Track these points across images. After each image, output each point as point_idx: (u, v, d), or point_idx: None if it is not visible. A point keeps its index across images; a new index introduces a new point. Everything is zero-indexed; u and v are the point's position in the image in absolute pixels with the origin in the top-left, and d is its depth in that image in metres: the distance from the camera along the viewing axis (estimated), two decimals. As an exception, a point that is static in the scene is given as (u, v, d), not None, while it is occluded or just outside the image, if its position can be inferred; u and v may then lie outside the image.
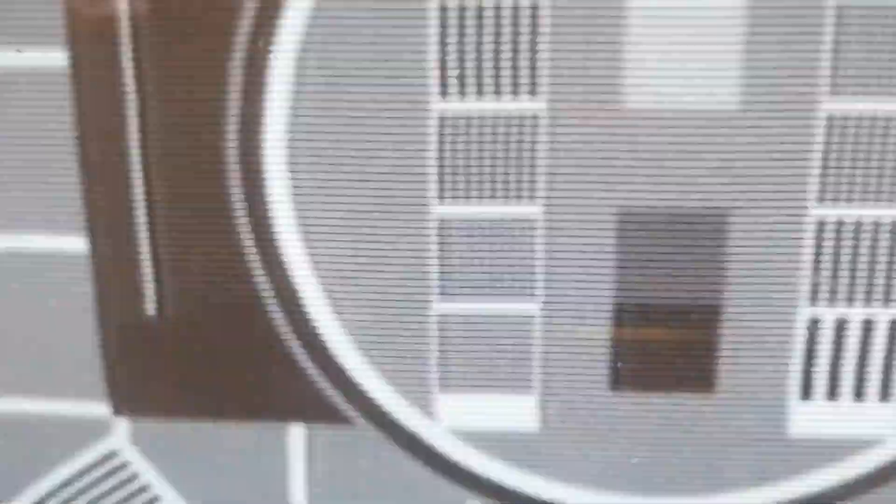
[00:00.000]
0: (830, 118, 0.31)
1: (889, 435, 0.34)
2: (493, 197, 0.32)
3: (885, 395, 0.34)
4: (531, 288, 0.33)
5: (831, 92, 0.31)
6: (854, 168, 0.31)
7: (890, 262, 0.32)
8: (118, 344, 0.35)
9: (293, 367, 0.35)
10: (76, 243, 0.34)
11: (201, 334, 0.35)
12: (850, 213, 0.32)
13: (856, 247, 0.32)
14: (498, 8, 0.30)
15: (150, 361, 0.35)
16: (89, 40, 0.32)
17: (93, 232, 0.34)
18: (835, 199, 0.32)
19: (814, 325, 0.33)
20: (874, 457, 0.35)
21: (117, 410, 0.36)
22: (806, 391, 0.34)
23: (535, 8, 0.30)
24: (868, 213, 0.32)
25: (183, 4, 0.31)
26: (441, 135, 0.32)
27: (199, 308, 0.34)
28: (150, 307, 0.35)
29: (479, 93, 0.31)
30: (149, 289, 0.34)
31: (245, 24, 0.31)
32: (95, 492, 0.37)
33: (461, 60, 0.31)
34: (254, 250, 0.33)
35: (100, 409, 0.36)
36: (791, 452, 0.35)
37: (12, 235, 0.34)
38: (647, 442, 0.35)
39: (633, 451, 0.35)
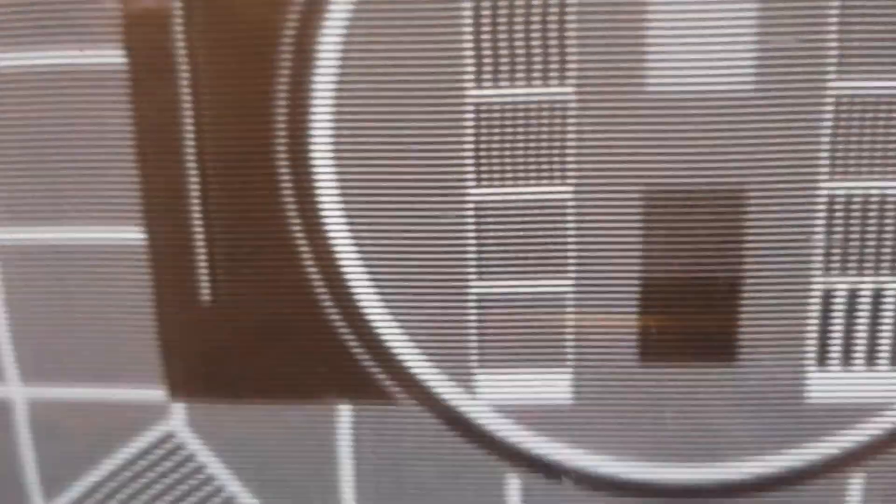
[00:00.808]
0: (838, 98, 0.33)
1: (901, 399, 0.36)
2: (526, 179, 0.35)
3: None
4: (564, 266, 0.35)
5: (839, 73, 0.33)
6: (861, 145, 0.34)
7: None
8: (174, 330, 0.37)
9: (341, 349, 0.37)
10: (133, 233, 0.36)
11: (253, 319, 0.37)
12: (860, 186, 0.34)
13: (864, 220, 0.34)
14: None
15: (205, 346, 0.37)
16: (144, 39, 0.34)
17: (149, 223, 0.36)
18: (844, 174, 0.34)
19: (828, 295, 0.35)
20: (887, 420, 0.37)
21: (174, 394, 0.38)
22: (822, 359, 0.36)
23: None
24: (876, 186, 0.34)
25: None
26: (477, 120, 0.34)
27: (251, 294, 0.37)
28: (205, 294, 0.37)
29: (512, 80, 0.34)
30: (203, 276, 0.37)
31: (292, 16, 0.33)
32: (153, 473, 0.39)
33: (495, 50, 0.33)
34: (302, 236, 0.36)
35: (157, 393, 0.38)
36: (809, 418, 0.37)
37: (73, 227, 0.36)
38: (674, 411, 0.37)
39: (660, 420, 0.37)
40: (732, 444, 0.37)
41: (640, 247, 0.35)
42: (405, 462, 0.38)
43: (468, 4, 0.33)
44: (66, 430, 0.39)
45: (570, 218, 0.35)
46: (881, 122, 0.33)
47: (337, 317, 0.36)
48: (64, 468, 0.39)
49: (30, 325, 0.38)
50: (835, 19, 0.33)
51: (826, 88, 0.33)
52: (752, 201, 0.34)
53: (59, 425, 0.39)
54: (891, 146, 0.34)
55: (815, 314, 0.35)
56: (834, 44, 0.33)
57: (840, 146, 0.34)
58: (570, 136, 0.34)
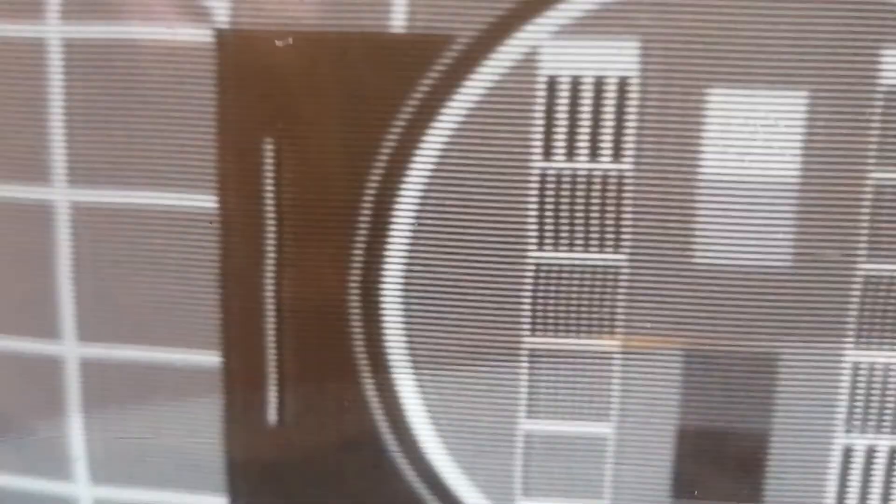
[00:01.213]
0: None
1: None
2: (578, 332, 0.38)
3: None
4: (607, 412, 0.39)
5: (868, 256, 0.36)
6: (884, 322, 0.37)
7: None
8: (241, 446, 0.41)
9: (396, 476, 0.40)
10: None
11: (315, 443, 0.40)
12: (882, 356, 0.37)
13: (885, 386, 0.38)
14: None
15: (268, 462, 0.41)
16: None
17: (226, 344, 0.40)
18: (868, 344, 0.37)
19: (848, 452, 0.39)
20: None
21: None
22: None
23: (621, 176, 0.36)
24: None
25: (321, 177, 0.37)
26: (536, 279, 0.37)
27: (315, 419, 0.40)
28: (272, 415, 0.40)
29: (571, 245, 0.37)
30: (273, 400, 0.40)
31: (375, 179, 0.37)
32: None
33: (556, 218, 0.37)
34: (368, 375, 0.39)
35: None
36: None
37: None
38: None
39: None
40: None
41: (678, 397, 0.38)
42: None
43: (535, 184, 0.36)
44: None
45: (615, 374, 0.38)
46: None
47: (394, 447, 0.40)
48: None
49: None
50: (867, 207, 0.36)
51: (855, 270, 0.36)
52: (784, 363, 0.38)
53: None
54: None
55: (834, 468, 0.39)
56: (864, 230, 0.36)
57: (865, 321, 0.37)
58: (620, 296, 0.37)
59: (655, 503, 0.40)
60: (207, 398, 0.40)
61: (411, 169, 0.37)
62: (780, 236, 0.36)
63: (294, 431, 0.40)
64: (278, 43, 0.35)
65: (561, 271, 0.37)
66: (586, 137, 0.36)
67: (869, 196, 0.36)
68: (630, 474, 0.40)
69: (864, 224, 0.36)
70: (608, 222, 0.37)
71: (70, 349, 0.41)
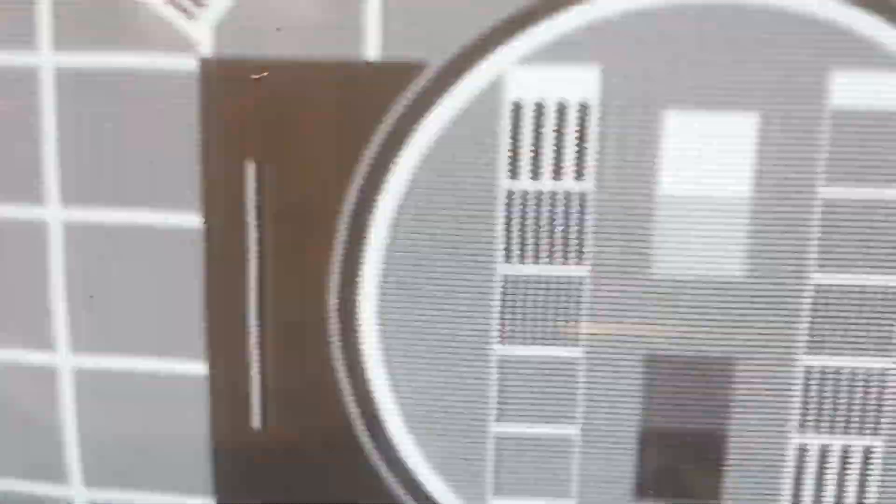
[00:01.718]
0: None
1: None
2: (544, 340, 0.40)
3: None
4: (572, 414, 0.41)
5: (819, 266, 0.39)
6: (835, 327, 0.39)
7: (863, 402, 0.40)
8: (227, 450, 0.43)
9: (373, 476, 0.42)
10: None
11: (296, 445, 0.42)
12: (833, 361, 0.40)
13: (836, 390, 0.40)
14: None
15: (252, 464, 0.43)
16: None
17: (212, 354, 0.42)
18: (821, 350, 0.40)
19: (802, 451, 0.41)
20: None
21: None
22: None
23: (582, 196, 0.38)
24: (848, 363, 0.40)
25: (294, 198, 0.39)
26: (504, 290, 0.39)
27: (296, 423, 0.42)
28: (256, 420, 0.42)
29: (536, 258, 0.39)
30: (255, 405, 0.42)
31: (351, 198, 0.39)
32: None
33: (522, 233, 0.39)
34: (345, 379, 0.41)
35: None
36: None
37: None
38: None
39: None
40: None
41: (640, 401, 0.40)
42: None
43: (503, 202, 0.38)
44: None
45: (580, 380, 0.40)
46: (854, 309, 0.39)
47: (371, 448, 0.42)
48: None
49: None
50: (817, 220, 0.38)
51: (807, 277, 0.39)
52: (739, 368, 0.40)
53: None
54: (861, 328, 0.39)
55: (789, 466, 0.41)
56: (815, 240, 0.38)
57: (818, 327, 0.39)
58: (583, 307, 0.39)
59: (620, 500, 0.42)
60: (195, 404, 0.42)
61: (385, 188, 0.39)
62: (734, 249, 0.38)
63: (276, 435, 0.42)
64: (254, 77, 0.37)
65: (528, 283, 0.39)
66: (550, 158, 0.38)
67: (818, 211, 0.38)
68: (596, 473, 0.42)
69: (815, 238, 0.38)
70: (571, 238, 0.39)
71: (63, 359, 0.43)
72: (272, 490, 0.43)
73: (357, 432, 0.42)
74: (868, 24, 0.36)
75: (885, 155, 0.37)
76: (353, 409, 0.41)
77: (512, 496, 0.42)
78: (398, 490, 0.42)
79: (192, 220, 0.40)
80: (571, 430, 0.41)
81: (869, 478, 0.41)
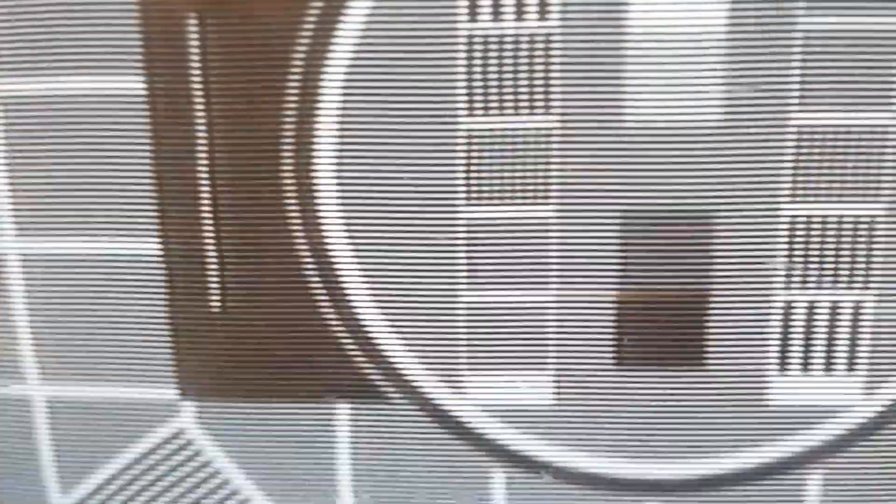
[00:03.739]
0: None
1: (855, 403, 0.40)
2: (513, 200, 0.38)
3: (850, 367, 0.39)
4: (546, 280, 0.39)
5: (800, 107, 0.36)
6: (819, 171, 0.37)
7: (852, 253, 0.38)
8: (187, 335, 0.41)
9: (340, 353, 0.40)
10: (150, 246, 0.39)
11: (258, 325, 0.40)
12: (818, 209, 0.37)
13: (822, 240, 0.38)
14: (517, 38, 0.36)
15: (214, 350, 0.41)
16: (164, 70, 0.37)
17: (166, 238, 0.39)
18: (804, 198, 0.37)
19: (789, 308, 0.39)
20: (842, 422, 0.40)
21: (184, 393, 0.42)
22: (783, 365, 0.40)
23: (548, 38, 0.36)
24: (832, 209, 0.37)
25: (246, 35, 0.37)
26: (469, 147, 0.37)
27: (257, 303, 0.40)
28: (215, 303, 0.40)
29: (501, 110, 0.37)
30: (214, 287, 0.40)
31: (301, 49, 0.37)
32: (163, 467, 0.43)
33: (485, 83, 0.36)
34: (305, 251, 0.39)
35: (168, 392, 0.41)
36: (771, 419, 0.40)
37: (95, 240, 0.39)
38: (647, 411, 0.40)
39: (634, 419, 0.40)
40: (701, 443, 0.40)
41: (616, 262, 0.38)
42: (399, 457, 0.41)
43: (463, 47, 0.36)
44: (82, 427, 0.42)
45: (552, 236, 0.38)
46: (838, 153, 0.37)
47: (337, 325, 0.40)
48: (80, 462, 0.42)
49: (51, 329, 0.41)
50: (797, 62, 0.36)
51: (788, 121, 0.36)
52: (720, 223, 0.38)
53: (76, 422, 0.42)
54: (847, 174, 0.37)
55: (776, 325, 0.39)
56: (796, 82, 0.36)
57: (800, 174, 0.37)
58: (553, 161, 0.37)
59: (599, 373, 0.40)
60: (149, 289, 0.40)
61: (339, 37, 0.37)
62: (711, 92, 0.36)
63: (237, 318, 0.40)
64: None
65: (493, 137, 0.37)
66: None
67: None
68: (573, 344, 0.40)
69: (796, 76, 0.36)
70: (536, 86, 0.37)
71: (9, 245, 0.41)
72: (237, 373, 0.41)
73: (321, 310, 0.39)
74: None
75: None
76: (315, 285, 0.39)
77: (488, 370, 0.40)
78: (369, 370, 0.40)
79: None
80: (546, 296, 0.39)
81: (859, 337, 0.39)
